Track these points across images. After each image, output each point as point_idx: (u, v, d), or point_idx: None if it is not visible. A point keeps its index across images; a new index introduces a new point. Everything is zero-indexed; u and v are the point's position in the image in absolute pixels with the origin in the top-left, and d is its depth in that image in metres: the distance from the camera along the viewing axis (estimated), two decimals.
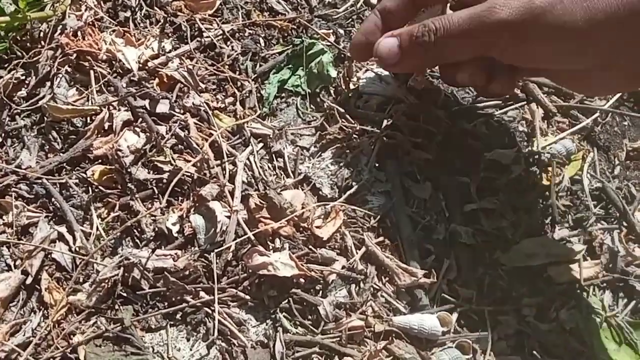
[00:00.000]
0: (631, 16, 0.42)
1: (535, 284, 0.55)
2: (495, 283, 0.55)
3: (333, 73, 0.62)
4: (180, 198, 0.55)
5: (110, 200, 0.55)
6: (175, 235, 0.53)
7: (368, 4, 0.70)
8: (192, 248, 0.53)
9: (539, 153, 0.60)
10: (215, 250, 0.52)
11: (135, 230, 0.54)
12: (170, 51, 0.63)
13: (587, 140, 0.64)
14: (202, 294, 0.51)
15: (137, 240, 0.53)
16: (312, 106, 0.62)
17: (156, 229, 0.53)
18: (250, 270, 0.52)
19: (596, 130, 0.64)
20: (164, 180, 0.55)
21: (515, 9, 0.45)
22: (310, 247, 0.53)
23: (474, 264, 0.55)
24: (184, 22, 0.64)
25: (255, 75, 0.63)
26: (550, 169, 0.60)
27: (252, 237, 0.52)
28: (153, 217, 0.54)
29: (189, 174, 0.55)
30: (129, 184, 0.55)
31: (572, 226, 0.58)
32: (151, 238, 0.53)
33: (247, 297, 0.51)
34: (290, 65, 0.63)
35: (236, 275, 0.52)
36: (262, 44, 0.65)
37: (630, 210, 0.59)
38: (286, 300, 0.51)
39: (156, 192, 0.55)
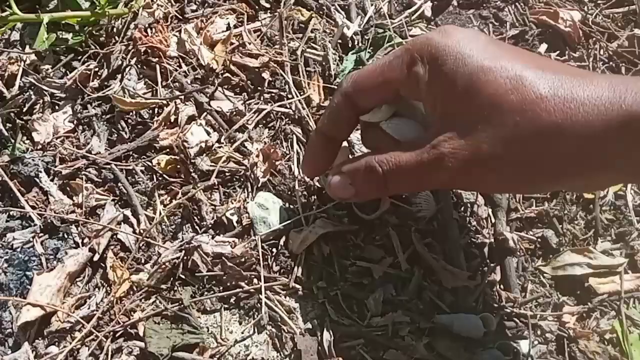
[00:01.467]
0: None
1: (576, 293, 0.57)
2: (537, 289, 0.56)
3: None
4: (239, 190, 0.58)
5: (173, 188, 0.58)
6: (234, 224, 0.56)
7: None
8: (248, 237, 0.56)
9: None
10: (270, 241, 0.55)
11: (195, 218, 0.57)
12: (235, 26, 0.66)
13: None
14: (255, 280, 0.54)
15: (197, 227, 0.56)
16: None
17: (215, 217, 0.56)
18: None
19: None
20: (226, 172, 0.58)
21: (462, 162, 0.42)
22: (359, 242, 0.56)
23: (517, 270, 0.57)
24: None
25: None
26: None
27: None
28: (213, 206, 0.57)
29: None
30: (192, 174, 0.58)
31: (615, 239, 0.60)
32: (210, 225, 0.56)
33: (298, 286, 0.54)
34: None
35: (288, 265, 0.54)
36: None
37: None
38: (334, 292, 0.54)
39: (217, 183, 0.58)
